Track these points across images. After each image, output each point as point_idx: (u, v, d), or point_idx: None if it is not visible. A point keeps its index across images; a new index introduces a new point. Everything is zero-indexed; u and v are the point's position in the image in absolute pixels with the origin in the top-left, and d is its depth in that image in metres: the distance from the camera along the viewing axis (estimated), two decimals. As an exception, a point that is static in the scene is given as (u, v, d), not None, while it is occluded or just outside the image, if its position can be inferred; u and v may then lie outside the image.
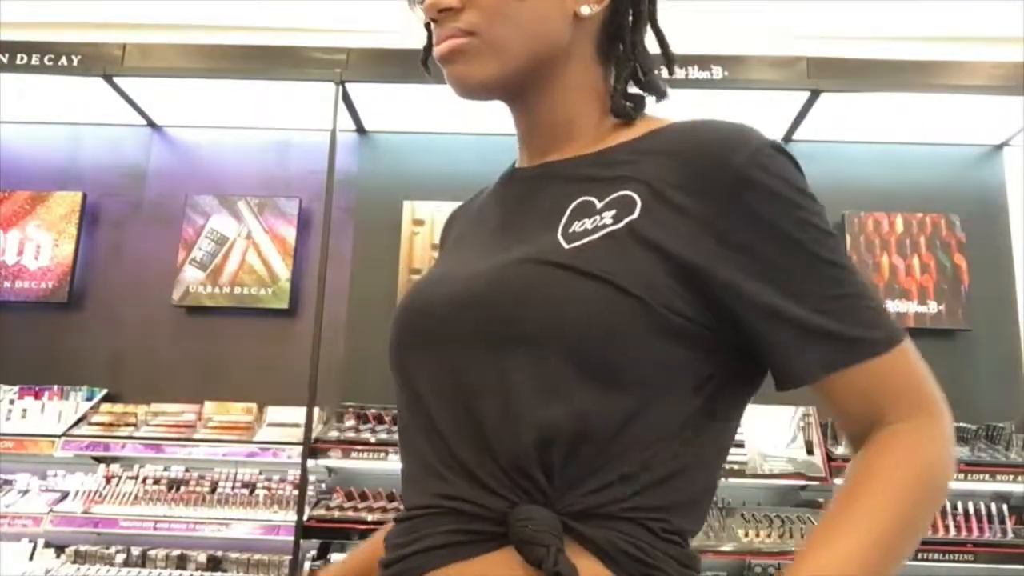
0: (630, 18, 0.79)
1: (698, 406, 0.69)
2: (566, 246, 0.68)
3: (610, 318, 0.65)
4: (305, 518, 2.95)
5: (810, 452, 3.04)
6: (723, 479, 2.94)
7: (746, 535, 2.95)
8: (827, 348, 0.66)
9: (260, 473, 3.17)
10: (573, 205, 0.72)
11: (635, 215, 0.68)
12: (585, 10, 0.75)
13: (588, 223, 0.69)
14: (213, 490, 3.13)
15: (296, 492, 3.00)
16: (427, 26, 0.81)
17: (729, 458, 3.20)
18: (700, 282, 0.66)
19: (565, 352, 0.65)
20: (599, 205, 0.71)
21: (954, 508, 2.98)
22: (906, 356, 0.68)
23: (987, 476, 2.92)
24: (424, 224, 3.51)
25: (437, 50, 0.76)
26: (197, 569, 3.04)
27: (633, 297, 0.65)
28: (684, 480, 0.69)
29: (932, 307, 3.36)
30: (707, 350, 0.68)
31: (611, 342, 0.65)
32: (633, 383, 0.66)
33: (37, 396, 3.33)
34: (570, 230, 0.70)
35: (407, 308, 0.78)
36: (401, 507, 0.76)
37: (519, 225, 0.76)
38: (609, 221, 0.68)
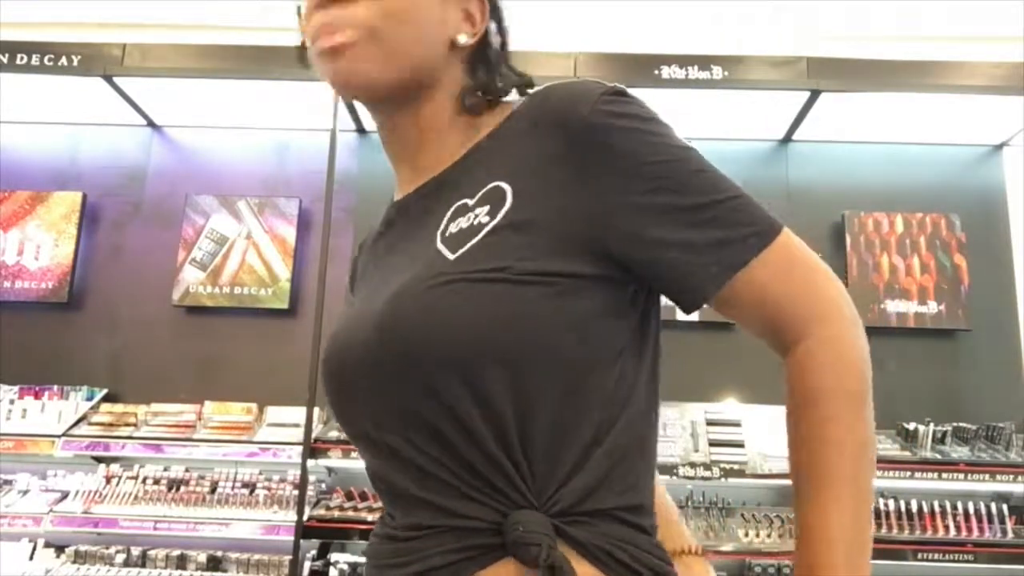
0: (497, 47, 0.81)
1: (625, 365, 0.71)
2: (451, 256, 0.69)
3: (515, 309, 0.66)
4: (305, 518, 2.94)
5: (810, 452, 3.04)
6: (723, 479, 2.94)
7: (746, 535, 2.95)
8: (718, 256, 0.69)
9: (260, 473, 3.18)
10: (450, 211, 0.73)
11: (508, 204, 0.70)
12: (462, 39, 0.77)
13: (463, 223, 0.71)
14: (213, 490, 3.13)
15: (296, 492, 3.00)
16: (298, 9, 0.79)
17: (729, 458, 3.16)
18: (587, 239, 0.69)
19: (487, 356, 0.66)
20: (471, 203, 0.72)
21: (954, 508, 2.97)
22: (791, 243, 0.71)
23: (987, 476, 2.92)
24: (424, 224, 3.51)
25: (319, 44, 0.74)
26: (197, 569, 3.04)
27: (530, 282, 0.66)
28: (629, 439, 0.71)
29: (932, 307, 3.36)
30: (619, 305, 0.71)
31: (525, 330, 0.66)
32: (562, 359, 0.67)
33: (37, 396, 3.33)
34: (447, 234, 0.71)
35: (330, 358, 0.77)
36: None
37: (407, 249, 0.77)
38: (485, 219, 0.70)
